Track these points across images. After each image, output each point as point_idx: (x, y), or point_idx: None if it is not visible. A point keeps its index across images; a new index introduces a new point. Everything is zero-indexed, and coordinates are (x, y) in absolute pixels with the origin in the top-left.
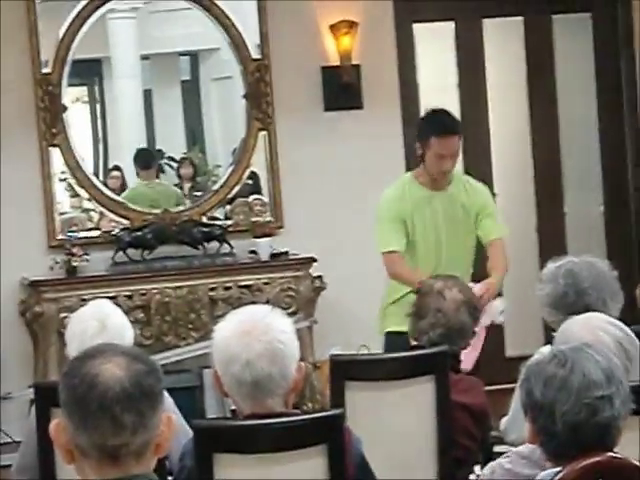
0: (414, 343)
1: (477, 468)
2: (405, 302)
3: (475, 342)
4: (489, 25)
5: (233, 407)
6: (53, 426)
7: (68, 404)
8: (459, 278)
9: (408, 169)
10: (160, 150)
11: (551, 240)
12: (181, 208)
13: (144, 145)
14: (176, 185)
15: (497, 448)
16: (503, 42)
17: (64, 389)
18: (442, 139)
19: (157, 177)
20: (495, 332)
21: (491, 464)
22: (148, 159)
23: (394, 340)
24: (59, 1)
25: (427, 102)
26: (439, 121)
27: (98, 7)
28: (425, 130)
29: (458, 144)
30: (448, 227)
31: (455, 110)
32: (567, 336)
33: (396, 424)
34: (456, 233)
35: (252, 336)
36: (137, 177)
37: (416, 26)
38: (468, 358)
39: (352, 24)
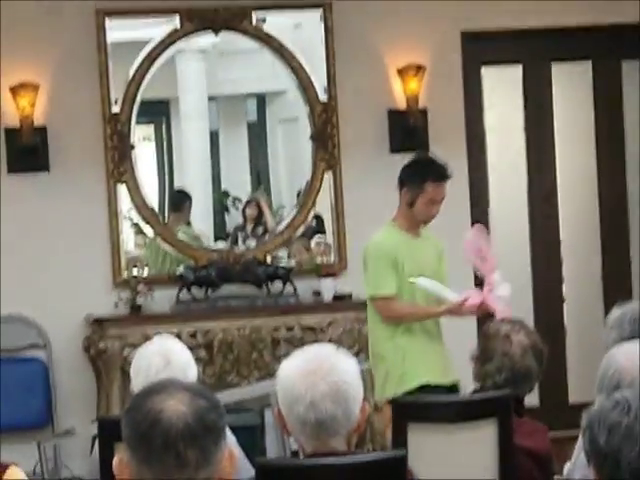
0: (477, 386)
1: None
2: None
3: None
4: (557, 69)
5: (294, 448)
6: (116, 462)
7: (132, 440)
8: (524, 321)
9: (472, 213)
10: (225, 191)
11: (617, 286)
12: (244, 248)
13: (210, 185)
14: (239, 225)
15: None
16: (571, 86)
17: (128, 425)
18: (438, 185)
19: (187, 222)
20: (559, 379)
21: None
22: (181, 200)
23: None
24: (130, 41)
25: (494, 145)
26: (435, 167)
27: (167, 47)
28: (420, 175)
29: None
30: (430, 271)
31: (522, 154)
32: (610, 362)
33: (459, 467)
34: (437, 276)
35: (317, 376)
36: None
37: (484, 69)
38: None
39: (419, 67)
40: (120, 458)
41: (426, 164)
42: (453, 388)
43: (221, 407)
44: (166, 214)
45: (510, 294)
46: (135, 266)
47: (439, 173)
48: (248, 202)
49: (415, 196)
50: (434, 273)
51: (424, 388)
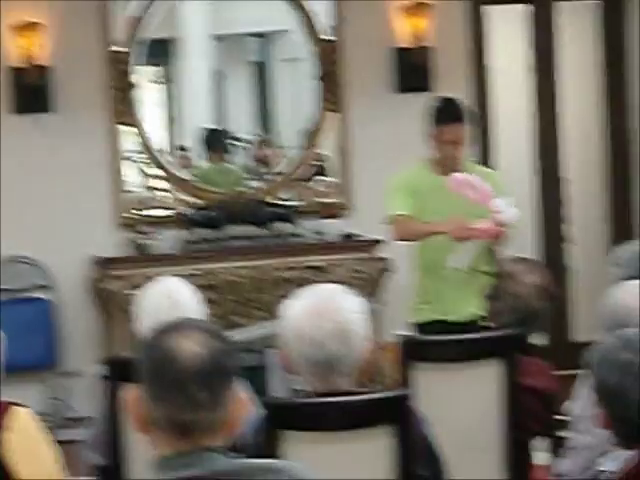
0: (485, 324)
1: (542, 454)
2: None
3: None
4: (563, 7)
5: (297, 387)
6: (130, 396)
7: (146, 376)
8: (537, 261)
9: (478, 151)
10: (229, 131)
11: (621, 226)
12: (246, 189)
13: (212, 125)
14: (248, 165)
15: (564, 433)
16: (576, 24)
17: (143, 360)
18: (445, 126)
19: (224, 159)
20: (563, 318)
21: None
22: (218, 140)
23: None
24: None
25: (498, 84)
26: (444, 109)
27: None
28: (432, 117)
29: (463, 132)
30: (459, 213)
31: (527, 93)
32: (614, 300)
33: (464, 405)
34: (467, 219)
35: (323, 316)
36: (205, 158)
37: (488, 8)
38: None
39: (424, 5)
40: (135, 393)
41: (436, 106)
42: (471, 323)
43: (236, 351)
44: (171, 154)
45: (517, 219)
46: (140, 207)
47: (444, 115)
48: (258, 142)
49: (435, 140)
50: (468, 209)
51: (437, 323)
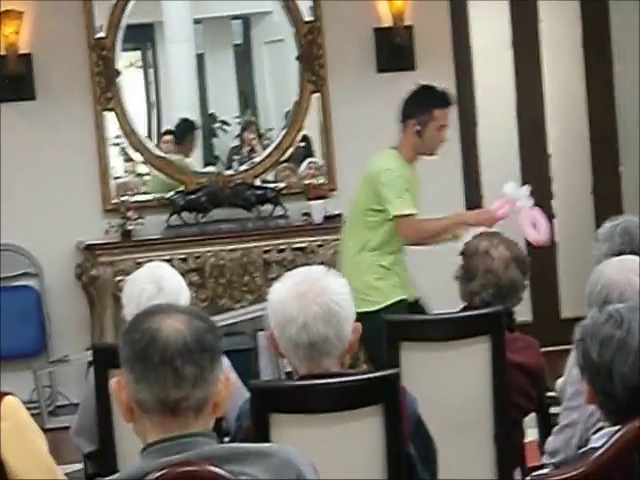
0: (464, 304)
1: (533, 431)
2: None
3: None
4: None
5: (288, 369)
6: (114, 383)
7: (129, 359)
8: (502, 234)
9: (460, 132)
10: (212, 114)
11: (607, 200)
12: (233, 171)
13: (197, 109)
14: (236, 147)
15: (553, 409)
16: (558, 2)
17: (125, 345)
18: (444, 110)
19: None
20: (550, 294)
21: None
22: (189, 131)
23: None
24: None
25: (480, 63)
26: (439, 93)
27: None
28: (426, 104)
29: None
30: (419, 200)
31: (509, 71)
32: (599, 276)
33: (451, 384)
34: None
35: (308, 298)
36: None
37: None
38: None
39: None
40: (118, 380)
41: (430, 92)
42: (417, 303)
43: (218, 329)
44: (154, 139)
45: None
46: (125, 192)
47: (444, 99)
48: (247, 124)
49: (424, 125)
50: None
51: (400, 303)
